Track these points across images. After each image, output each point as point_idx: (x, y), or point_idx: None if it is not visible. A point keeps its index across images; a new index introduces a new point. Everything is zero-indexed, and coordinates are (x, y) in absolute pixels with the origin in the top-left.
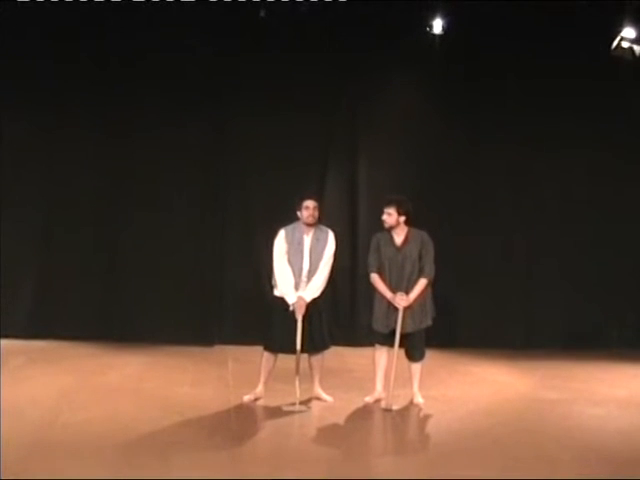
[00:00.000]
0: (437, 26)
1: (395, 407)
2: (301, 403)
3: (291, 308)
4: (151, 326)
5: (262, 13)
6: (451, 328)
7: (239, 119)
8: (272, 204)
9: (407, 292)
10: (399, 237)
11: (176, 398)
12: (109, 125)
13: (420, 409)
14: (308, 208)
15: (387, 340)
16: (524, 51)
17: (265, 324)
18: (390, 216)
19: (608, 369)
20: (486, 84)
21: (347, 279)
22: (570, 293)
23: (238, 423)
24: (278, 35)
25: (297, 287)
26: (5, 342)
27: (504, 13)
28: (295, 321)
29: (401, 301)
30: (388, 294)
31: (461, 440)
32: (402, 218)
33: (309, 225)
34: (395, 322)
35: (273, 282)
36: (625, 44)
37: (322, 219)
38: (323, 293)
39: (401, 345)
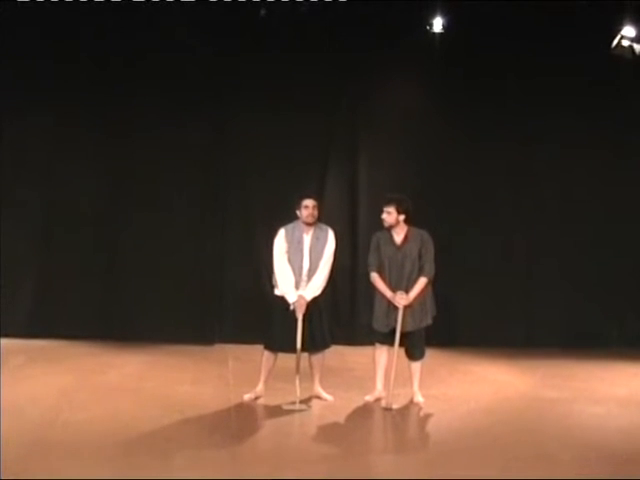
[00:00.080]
0: (437, 25)
1: (395, 406)
2: (301, 402)
3: (291, 307)
4: (151, 325)
5: (262, 12)
6: (451, 327)
7: (239, 119)
8: (272, 204)
9: (407, 291)
10: (399, 236)
11: (176, 397)
12: (109, 125)
13: (420, 408)
14: (307, 207)
15: (387, 339)
16: (524, 50)
17: (265, 323)
18: (390, 215)
19: (608, 368)
20: (486, 84)
21: (347, 278)
22: (570, 292)
23: (238, 422)
24: (278, 35)
25: (297, 286)
26: (5, 341)
27: (504, 13)
28: (295, 320)
29: (401, 300)
30: (388, 293)
31: (461, 439)
32: (402, 217)
33: (309, 224)
34: (395, 321)
35: (273, 281)
36: (625, 43)
37: (322, 218)
38: (323, 292)
39: (401, 344)
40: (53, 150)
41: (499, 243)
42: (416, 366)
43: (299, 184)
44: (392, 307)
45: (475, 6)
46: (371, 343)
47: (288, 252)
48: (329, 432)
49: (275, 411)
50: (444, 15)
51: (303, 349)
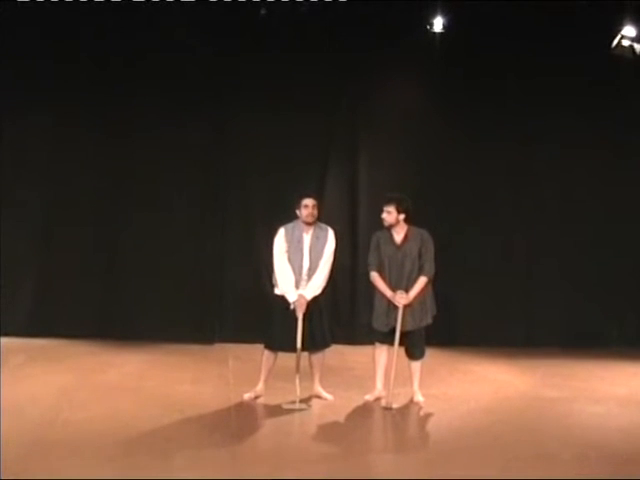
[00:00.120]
0: (437, 25)
1: (395, 405)
2: (301, 401)
3: (292, 306)
4: (151, 325)
5: (262, 11)
6: (451, 327)
7: (239, 119)
8: (272, 204)
9: (407, 290)
10: (399, 235)
11: (176, 396)
12: (109, 125)
13: (420, 407)
14: (307, 207)
15: (387, 338)
16: (524, 50)
17: (265, 322)
18: (389, 214)
19: (608, 367)
20: (486, 84)
21: (347, 278)
22: (570, 292)
23: (238, 421)
24: (278, 35)
25: (297, 285)
26: (5, 340)
27: (504, 13)
28: (296, 319)
29: (401, 299)
30: (388, 292)
31: (461, 438)
32: (401, 216)
33: (308, 224)
34: (395, 320)
35: (274, 281)
36: (625, 42)
37: (322, 218)
38: (324, 291)
39: (401, 343)
40: (53, 150)
41: (499, 243)
42: (416, 365)
43: (299, 184)
44: (392, 306)
45: (475, 6)
46: (371, 342)
47: (288, 251)
48: (329, 431)
49: (275, 410)
50: (444, 15)
51: (303, 348)
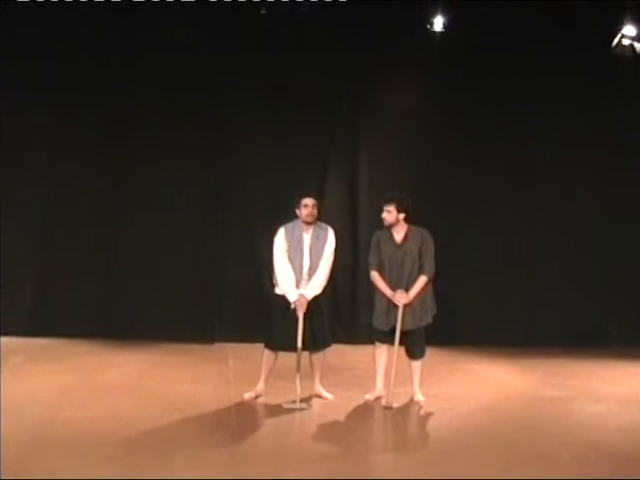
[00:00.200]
0: (437, 24)
1: (395, 405)
2: (302, 401)
3: (292, 306)
4: (151, 324)
5: (262, 11)
6: (451, 326)
7: (239, 119)
8: (272, 204)
9: (407, 290)
10: (399, 235)
11: (176, 396)
12: (109, 125)
13: (420, 407)
14: (307, 206)
15: (387, 338)
16: (524, 50)
17: (266, 322)
18: (390, 214)
19: (608, 367)
20: (486, 83)
21: (348, 277)
22: (570, 292)
23: (239, 421)
24: (278, 35)
25: (298, 285)
26: (5, 340)
27: (504, 12)
28: (296, 319)
29: (401, 299)
30: (388, 292)
31: (462, 438)
32: (402, 216)
33: (308, 223)
34: (395, 320)
35: (274, 280)
36: (626, 42)
37: (322, 217)
38: (324, 291)
39: (401, 343)
40: (53, 150)
41: (499, 242)
42: (416, 365)
43: (299, 184)
44: (392, 306)
45: (475, 6)
46: (371, 342)
47: (288, 251)
48: (329, 431)
49: (275, 410)
50: (444, 15)
51: (304, 348)
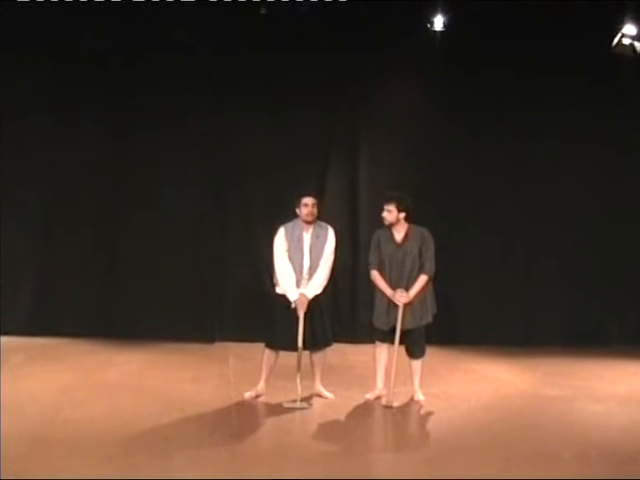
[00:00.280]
0: (438, 23)
1: (396, 404)
2: (302, 400)
3: (293, 305)
4: (151, 324)
5: (263, 10)
6: (451, 325)
7: (239, 119)
8: (272, 203)
9: (407, 289)
10: (399, 234)
11: (177, 395)
12: (109, 125)
13: (421, 406)
14: (307, 205)
15: (387, 337)
16: (524, 49)
17: (267, 321)
18: (390, 213)
19: (608, 366)
20: (486, 82)
21: (348, 276)
22: (570, 291)
23: (239, 420)
24: (278, 35)
25: (298, 284)
26: (5, 339)
27: (504, 12)
28: (297, 318)
29: (401, 298)
30: (388, 291)
31: (462, 437)
32: (402, 215)
33: (308, 222)
34: (395, 319)
35: (274, 280)
36: (626, 41)
37: (322, 216)
38: (325, 290)
39: (401, 342)
40: (53, 150)
41: (499, 241)
42: (417, 364)
43: (299, 183)
44: (392, 305)
45: (475, 5)
46: (372, 341)
47: (288, 250)
48: (330, 430)
49: (276, 409)
50: (444, 14)
51: (304, 347)
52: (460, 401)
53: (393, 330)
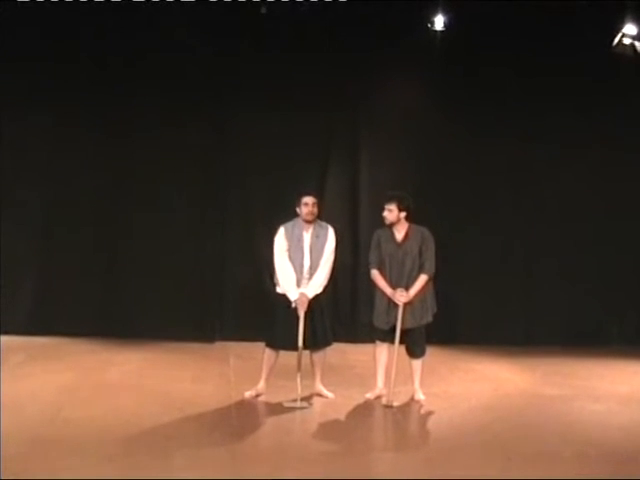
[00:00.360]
0: (438, 23)
1: (396, 403)
2: (302, 399)
3: (293, 305)
4: (151, 323)
5: (263, 10)
6: (452, 325)
7: (239, 119)
8: (272, 203)
9: (407, 288)
10: (400, 233)
11: (177, 394)
12: (109, 125)
13: (421, 405)
14: (307, 205)
15: (388, 336)
16: (525, 49)
17: (267, 321)
18: (391, 212)
19: (609, 366)
20: (486, 83)
21: (348, 276)
22: (570, 290)
23: (239, 419)
24: (278, 35)
25: (299, 284)
26: (5, 339)
27: (505, 12)
28: (297, 318)
29: (401, 297)
30: (388, 290)
31: (462, 436)
32: (402, 214)
33: (308, 222)
34: (396, 318)
35: (275, 279)
36: (626, 41)
37: (322, 216)
38: (325, 290)
39: (402, 341)
40: (53, 150)
41: (499, 241)
42: (417, 364)
43: (299, 183)
44: (392, 304)
45: (475, 5)
46: (372, 341)
47: (289, 250)
48: (330, 430)
49: (276, 409)
50: (445, 14)
51: (305, 347)
52: (460, 400)
53: (393, 329)
